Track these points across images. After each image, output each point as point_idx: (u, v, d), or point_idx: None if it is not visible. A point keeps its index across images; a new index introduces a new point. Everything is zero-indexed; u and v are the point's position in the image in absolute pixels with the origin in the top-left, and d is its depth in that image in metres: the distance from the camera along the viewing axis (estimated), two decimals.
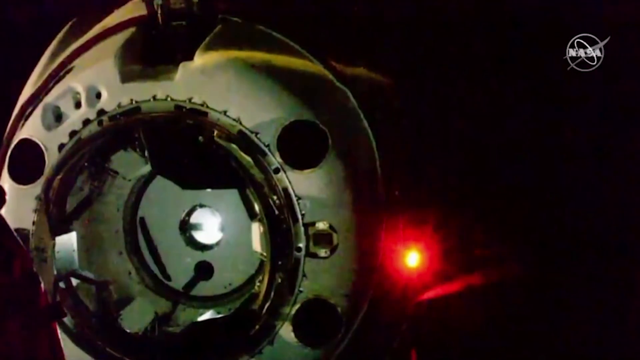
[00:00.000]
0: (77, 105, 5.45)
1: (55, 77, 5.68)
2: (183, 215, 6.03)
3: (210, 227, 6.05)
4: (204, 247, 6.07)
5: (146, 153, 5.28)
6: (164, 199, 5.99)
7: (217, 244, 6.04)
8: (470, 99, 6.10)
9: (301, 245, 5.03)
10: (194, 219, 6.06)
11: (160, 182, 5.89)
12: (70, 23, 6.25)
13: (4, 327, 3.66)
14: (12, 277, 3.72)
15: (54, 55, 5.98)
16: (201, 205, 6.01)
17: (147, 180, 5.95)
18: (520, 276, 6.12)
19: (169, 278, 6.07)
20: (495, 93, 6.18)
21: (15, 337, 3.68)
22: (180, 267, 6.05)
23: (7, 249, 3.77)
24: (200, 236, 6.08)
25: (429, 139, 5.82)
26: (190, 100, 5.12)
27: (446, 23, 6.21)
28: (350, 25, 5.94)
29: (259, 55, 5.31)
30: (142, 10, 5.57)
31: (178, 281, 6.06)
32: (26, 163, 5.50)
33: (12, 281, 3.72)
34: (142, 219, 6.05)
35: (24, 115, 5.71)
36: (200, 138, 5.05)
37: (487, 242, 6.07)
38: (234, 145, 5.06)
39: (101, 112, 5.30)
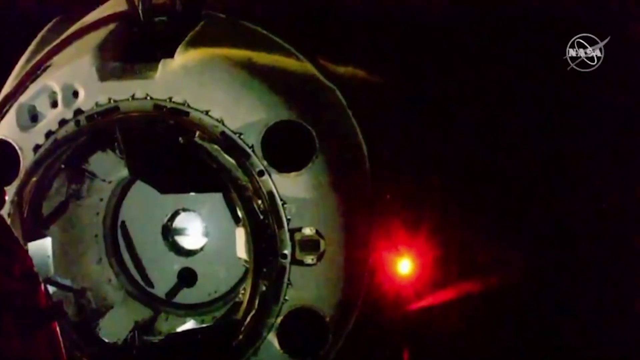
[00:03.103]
0: (54, 104, 5.28)
1: (32, 76, 5.51)
2: (166, 219, 5.90)
3: (194, 232, 5.92)
4: (187, 253, 5.94)
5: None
6: (145, 203, 5.84)
7: (201, 249, 5.91)
8: (468, 99, 5.94)
9: (286, 251, 4.85)
10: (177, 223, 5.94)
11: (142, 184, 5.73)
12: (53, 21, 6.11)
13: (3, 327, 3.61)
14: (12, 277, 3.65)
15: (35, 54, 5.83)
16: (185, 209, 5.88)
17: (128, 183, 5.80)
18: (519, 283, 5.91)
19: (150, 285, 5.93)
20: (494, 93, 6.02)
21: (14, 337, 3.62)
22: (162, 273, 5.92)
23: (7, 249, 3.70)
24: (183, 241, 5.95)
25: (422, 140, 5.63)
26: (170, 99, 4.94)
27: (444, 22, 6.06)
28: (340, 22, 5.74)
29: (243, 53, 5.14)
30: (125, 7, 5.37)
31: (160, 288, 5.92)
32: (0, 165, 5.30)
33: (12, 282, 3.65)
34: (122, 223, 5.90)
35: None
36: (181, 139, 4.85)
37: (483, 247, 5.88)
38: (216, 147, 4.88)
39: (78, 112, 5.12)
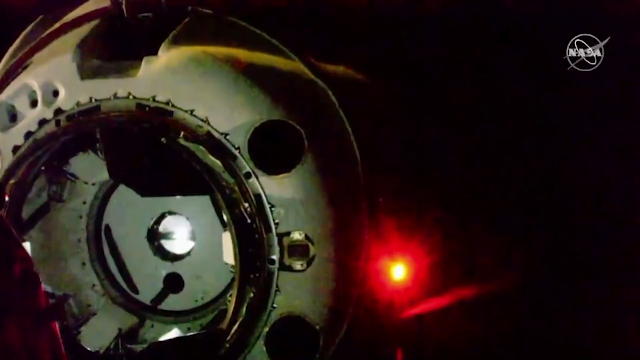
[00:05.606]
0: (33, 104, 5.14)
1: (12, 74, 5.39)
2: (151, 222, 5.74)
3: (180, 235, 5.76)
4: (173, 258, 5.77)
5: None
6: (130, 205, 5.68)
7: (188, 254, 5.74)
8: (467, 100, 5.86)
9: (274, 257, 4.70)
10: (163, 227, 5.77)
11: (126, 187, 5.54)
12: (38, 19, 5.97)
13: (3, 328, 3.52)
14: (12, 277, 3.56)
15: (18, 52, 5.70)
16: (171, 213, 5.71)
17: (112, 185, 5.64)
18: (516, 289, 5.79)
19: (135, 291, 5.77)
20: (493, 93, 5.95)
21: (15, 338, 3.53)
22: (148, 278, 5.75)
23: (7, 249, 3.60)
24: (170, 245, 5.79)
25: (417, 141, 5.52)
26: (154, 98, 4.80)
27: (442, 21, 5.98)
28: (332, 19, 5.63)
29: (231, 50, 5.00)
30: (108, 3, 5.26)
31: (145, 294, 5.75)
32: None
33: (12, 281, 3.56)
34: (107, 226, 5.74)
35: None
36: (163, 139, 4.68)
37: (481, 251, 5.77)
38: (201, 148, 4.72)
39: (58, 112, 4.98)
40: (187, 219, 5.68)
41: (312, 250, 4.69)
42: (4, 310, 3.50)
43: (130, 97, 4.82)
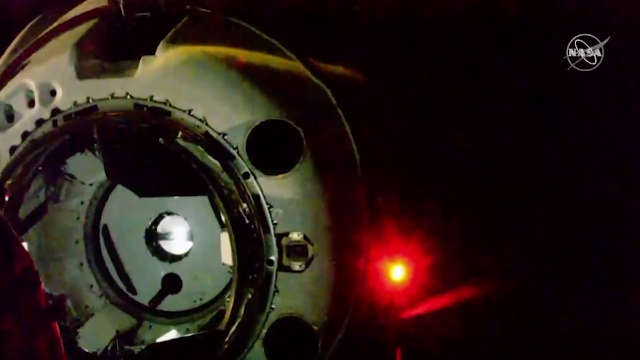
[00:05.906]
0: (31, 103, 5.14)
1: (9, 74, 5.38)
2: (149, 223, 5.69)
3: (178, 236, 5.71)
4: (172, 258, 5.72)
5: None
6: (128, 206, 5.63)
7: (186, 254, 5.70)
8: (465, 100, 5.85)
9: (273, 257, 4.68)
10: (161, 227, 5.73)
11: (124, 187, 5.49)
12: (36, 18, 5.98)
13: (3, 327, 3.58)
14: (12, 277, 3.62)
15: (16, 52, 5.69)
16: (169, 213, 5.66)
17: (109, 186, 5.60)
18: (516, 290, 5.79)
19: (133, 291, 5.72)
20: (492, 93, 5.95)
21: (14, 338, 3.59)
22: (146, 279, 5.72)
23: (7, 249, 3.66)
24: (168, 246, 5.74)
25: (416, 141, 5.49)
26: (151, 98, 4.80)
27: (443, 22, 5.98)
28: (330, 19, 5.60)
29: (229, 50, 4.98)
30: (106, 2, 5.27)
31: (144, 295, 5.71)
32: None
33: (12, 281, 3.62)
34: (104, 227, 5.71)
35: None
36: (161, 140, 4.65)
37: (480, 252, 5.75)
38: (199, 148, 4.70)
39: (56, 112, 4.99)
40: (185, 219, 5.63)
41: (311, 250, 4.67)
42: (4, 308, 3.52)
43: (128, 97, 4.81)
